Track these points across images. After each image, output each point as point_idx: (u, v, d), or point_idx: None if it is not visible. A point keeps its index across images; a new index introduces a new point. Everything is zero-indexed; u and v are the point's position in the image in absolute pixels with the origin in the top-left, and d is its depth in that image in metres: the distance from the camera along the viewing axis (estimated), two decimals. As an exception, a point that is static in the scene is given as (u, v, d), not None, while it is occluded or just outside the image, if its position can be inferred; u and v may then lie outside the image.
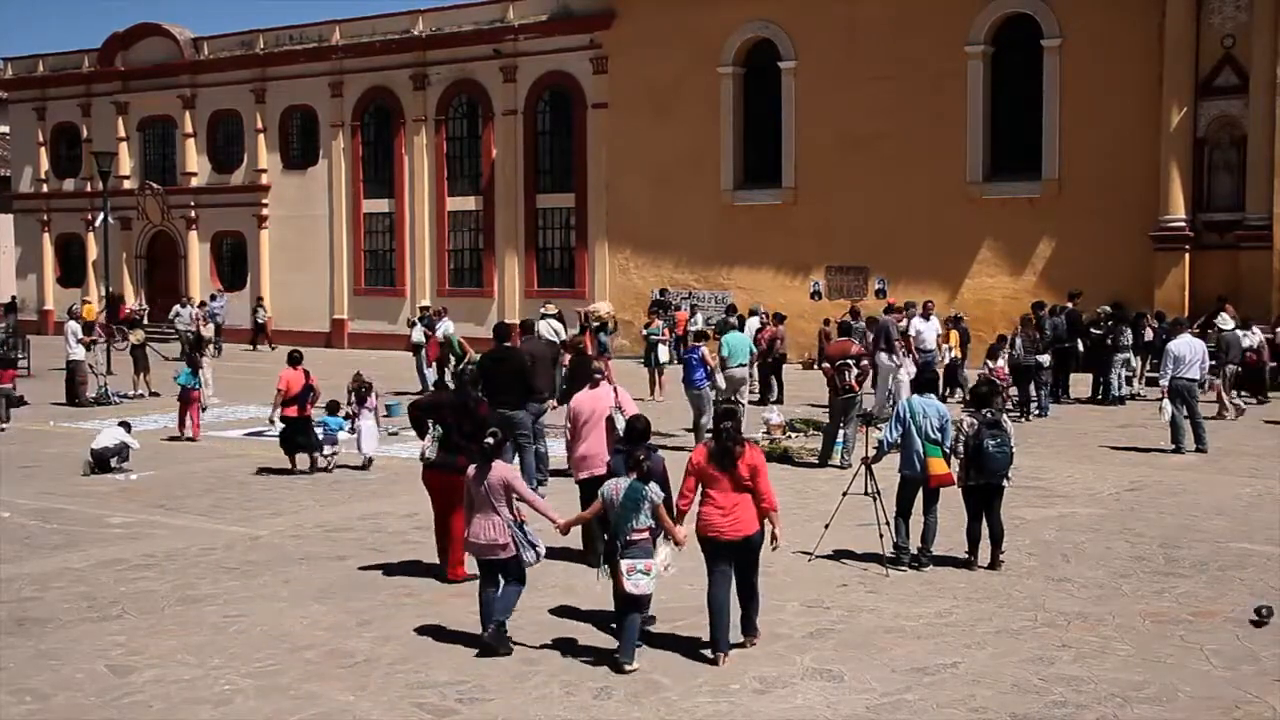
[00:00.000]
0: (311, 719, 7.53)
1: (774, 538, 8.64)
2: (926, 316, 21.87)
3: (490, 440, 8.86)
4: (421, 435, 10.92)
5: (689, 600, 9.70)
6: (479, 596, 8.85)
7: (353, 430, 16.57)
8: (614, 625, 8.73)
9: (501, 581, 8.77)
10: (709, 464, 8.46)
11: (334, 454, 16.27)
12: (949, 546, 11.07)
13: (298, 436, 15.98)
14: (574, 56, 33.78)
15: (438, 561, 10.80)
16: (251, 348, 36.57)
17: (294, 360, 16.43)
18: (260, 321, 37.28)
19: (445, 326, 27.25)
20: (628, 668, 8.18)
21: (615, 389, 11.18)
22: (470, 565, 9.68)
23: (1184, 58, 25.80)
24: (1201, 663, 8.33)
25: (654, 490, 8.36)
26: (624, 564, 8.22)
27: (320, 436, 16.24)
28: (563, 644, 8.78)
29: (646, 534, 8.30)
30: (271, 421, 16.18)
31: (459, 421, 10.54)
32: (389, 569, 10.99)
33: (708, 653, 8.45)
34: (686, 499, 8.63)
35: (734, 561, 8.46)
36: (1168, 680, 7.98)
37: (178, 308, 33.19)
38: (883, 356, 19.72)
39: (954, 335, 22.12)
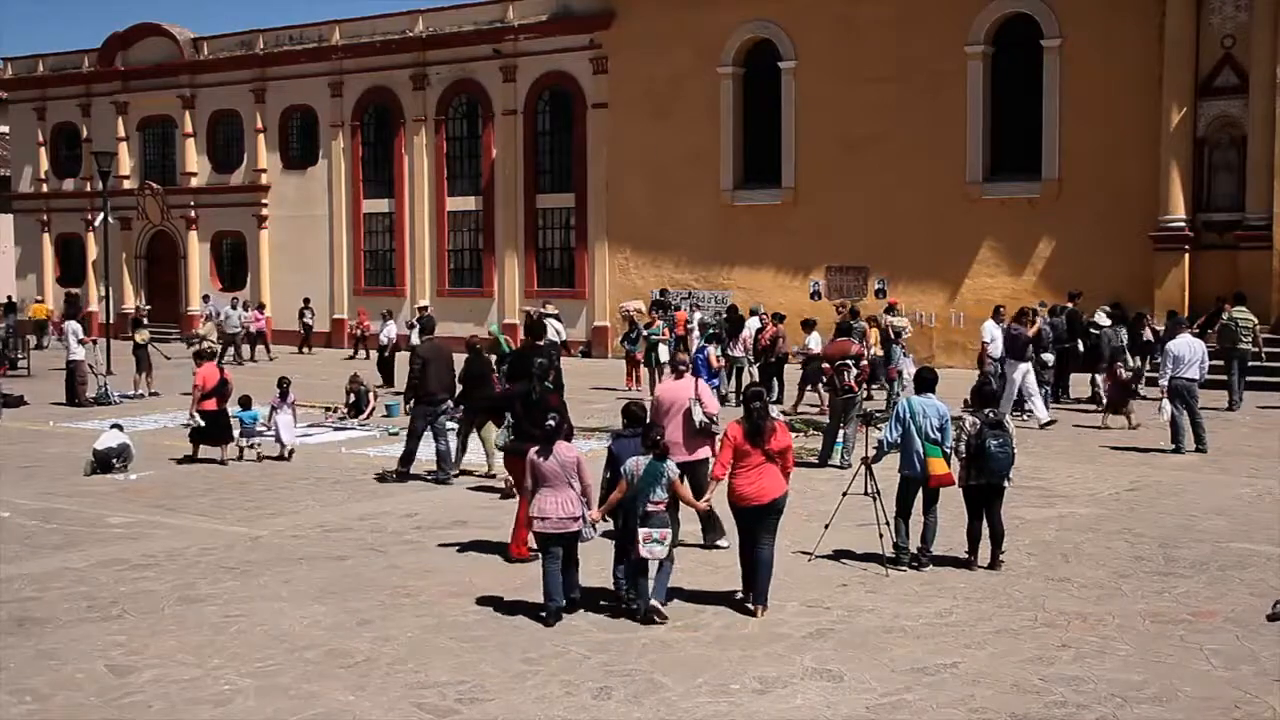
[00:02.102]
0: (311, 719, 7.53)
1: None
2: (999, 321, 20.75)
3: (551, 423, 9.53)
4: (499, 424, 11.91)
5: (688, 598, 9.77)
6: (544, 571, 9.39)
7: (268, 424, 17.22)
8: (603, 602, 9.65)
9: (563, 558, 9.38)
10: (745, 440, 9.49)
11: (256, 445, 16.93)
12: (949, 546, 11.07)
13: (213, 429, 16.66)
14: (574, 56, 33.79)
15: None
16: (299, 350, 35.88)
17: (207, 356, 17.60)
18: (308, 323, 36.60)
19: (389, 330, 27.58)
20: (659, 618, 9.15)
21: (697, 382, 11.51)
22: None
23: (1184, 58, 25.79)
24: (1201, 663, 8.33)
25: (671, 468, 9.36)
26: (641, 532, 9.11)
27: (238, 430, 16.99)
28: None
29: (663, 506, 9.23)
30: (192, 416, 16.90)
31: (528, 412, 11.10)
32: (389, 569, 10.99)
33: (749, 604, 9.52)
34: (723, 469, 9.67)
35: (759, 522, 9.49)
36: (1168, 680, 7.98)
37: (228, 309, 33.34)
38: (1018, 364, 19.29)
39: (873, 333, 22.20)
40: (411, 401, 15.43)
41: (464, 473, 15.57)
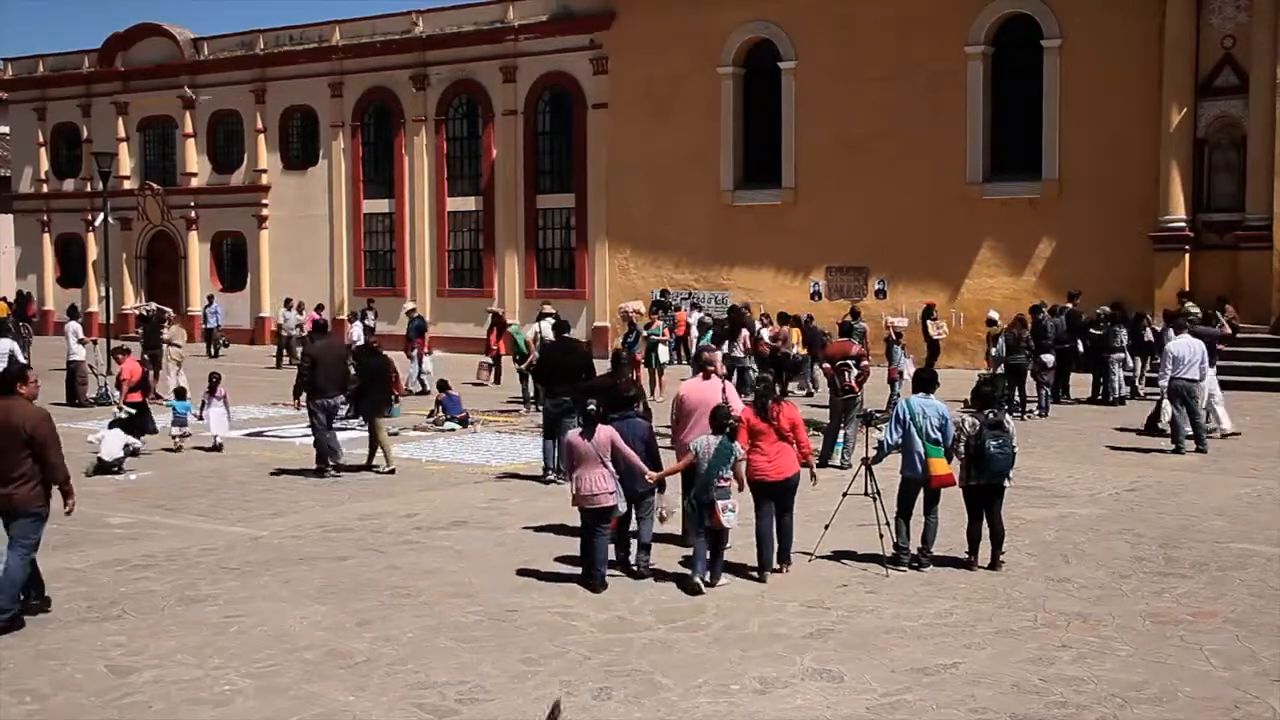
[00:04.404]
0: (311, 719, 7.53)
1: (813, 476, 10.94)
2: (1179, 330, 17.91)
3: (592, 408, 10.41)
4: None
5: (688, 598, 9.77)
6: (582, 541, 10.35)
7: (201, 417, 18.24)
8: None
9: (600, 530, 10.25)
10: (755, 418, 10.48)
11: (184, 435, 18.06)
12: (949, 547, 11.07)
13: (141, 419, 17.61)
14: (574, 56, 33.78)
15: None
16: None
17: (126, 352, 18.80)
18: (369, 325, 35.04)
19: (355, 331, 27.72)
20: (721, 584, 10.15)
21: (724, 385, 11.49)
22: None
23: (1184, 58, 25.78)
24: (1201, 663, 8.33)
25: (738, 449, 10.19)
26: (719, 504, 10.02)
27: (171, 419, 18.19)
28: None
29: (730, 481, 10.15)
30: (120, 408, 17.65)
31: (610, 403, 11.54)
32: (389, 569, 10.99)
33: (755, 574, 10.47)
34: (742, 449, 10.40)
35: (775, 499, 10.44)
36: (1168, 680, 7.98)
37: (284, 310, 33.12)
38: (1210, 373, 17.46)
39: (796, 333, 23.90)
40: (304, 396, 15.87)
41: (368, 467, 16.07)
